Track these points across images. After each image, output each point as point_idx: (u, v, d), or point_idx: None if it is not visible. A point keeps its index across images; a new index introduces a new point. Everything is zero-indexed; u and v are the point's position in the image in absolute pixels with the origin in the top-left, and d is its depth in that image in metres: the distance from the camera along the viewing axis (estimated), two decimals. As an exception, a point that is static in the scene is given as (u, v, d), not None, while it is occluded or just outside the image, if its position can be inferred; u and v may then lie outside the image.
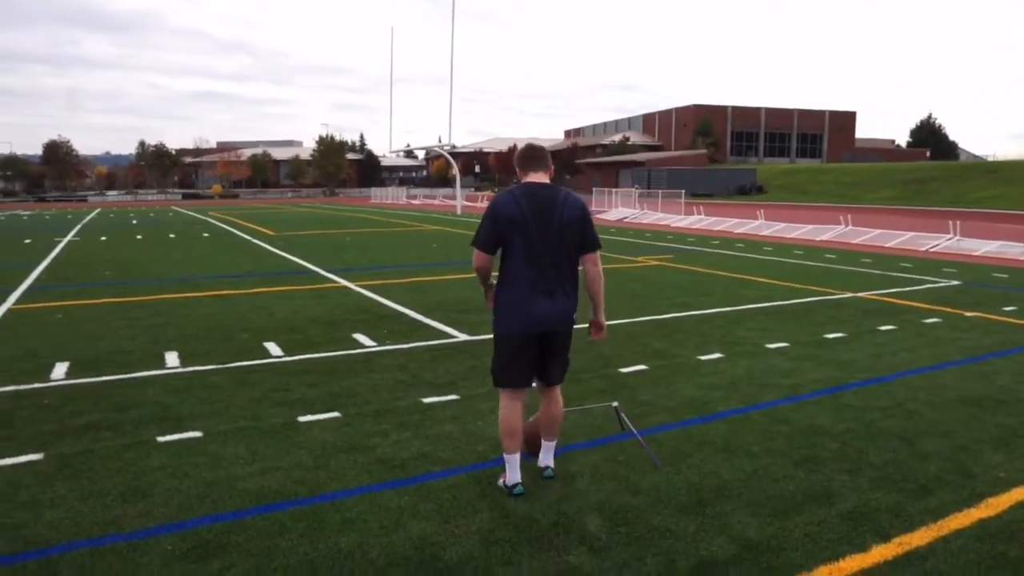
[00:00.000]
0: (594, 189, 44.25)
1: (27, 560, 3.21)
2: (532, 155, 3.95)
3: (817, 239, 20.34)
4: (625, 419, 4.51)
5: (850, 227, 21.02)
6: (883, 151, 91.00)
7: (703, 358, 6.74)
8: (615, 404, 4.62)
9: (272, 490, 3.93)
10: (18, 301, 10.18)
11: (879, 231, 20.27)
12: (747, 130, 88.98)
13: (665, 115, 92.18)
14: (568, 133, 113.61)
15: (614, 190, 40.27)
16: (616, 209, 34.84)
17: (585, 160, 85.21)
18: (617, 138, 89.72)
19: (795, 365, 6.51)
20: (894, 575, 3.13)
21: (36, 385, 5.89)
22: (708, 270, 13.48)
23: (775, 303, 9.79)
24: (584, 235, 3.85)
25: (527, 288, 3.75)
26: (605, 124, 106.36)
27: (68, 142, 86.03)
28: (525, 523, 3.55)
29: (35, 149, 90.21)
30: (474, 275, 4.03)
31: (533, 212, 3.74)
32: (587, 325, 4.06)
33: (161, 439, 4.66)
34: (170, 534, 3.44)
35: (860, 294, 10.52)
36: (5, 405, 5.37)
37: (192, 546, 3.32)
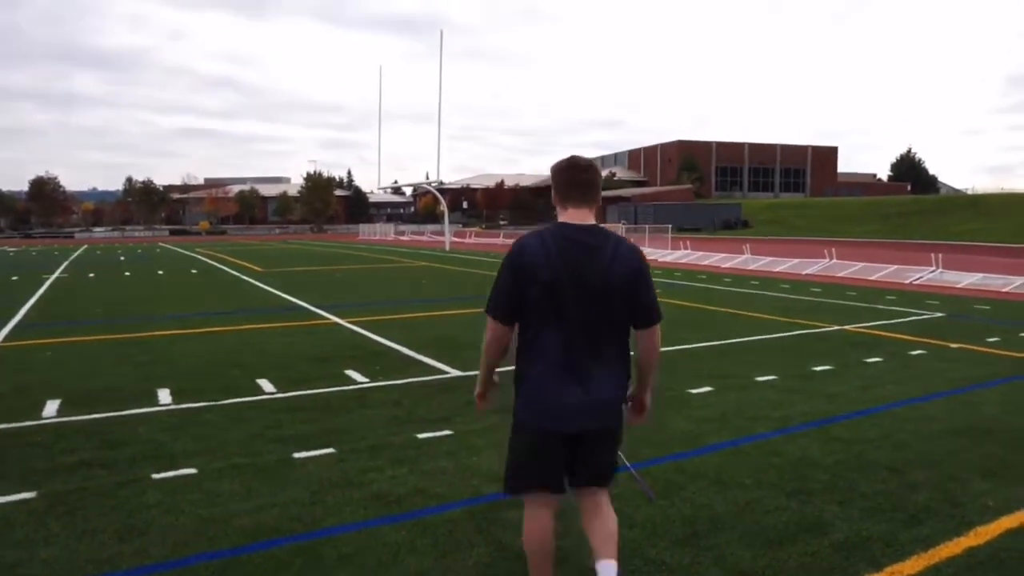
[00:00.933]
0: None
1: (24, 599, 3.20)
2: (577, 180, 2.85)
3: (803, 273, 20.58)
4: (619, 453, 4.55)
5: (835, 260, 21.28)
6: (865, 185, 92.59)
7: (693, 391, 6.81)
8: (608, 437, 4.66)
9: (268, 526, 3.93)
10: (6, 338, 10.13)
11: (863, 264, 20.54)
12: (731, 165, 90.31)
13: (651, 151, 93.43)
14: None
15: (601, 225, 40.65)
16: (604, 244, 35.11)
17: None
18: (604, 174, 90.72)
19: (784, 398, 6.59)
20: (887, 605, 3.17)
21: (27, 423, 5.86)
22: (696, 304, 13.61)
23: (763, 336, 9.90)
24: (638, 301, 2.81)
25: (554, 370, 2.77)
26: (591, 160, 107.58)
27: (55, 178, 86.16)
28: (522, 558, 3.56)
29: (21, 185, 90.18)
30: (483, 340, 2.89)
31: (569, 267, 2.72)
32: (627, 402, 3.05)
33: (155, 476, 4.65)
34: (167, 571, 3.44)
35: (846, 327, 10.65)
36: (-3, 443, 5.35)
37: (190, 583, 3.32)
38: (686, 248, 28.95)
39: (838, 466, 4.83)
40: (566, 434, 2.82)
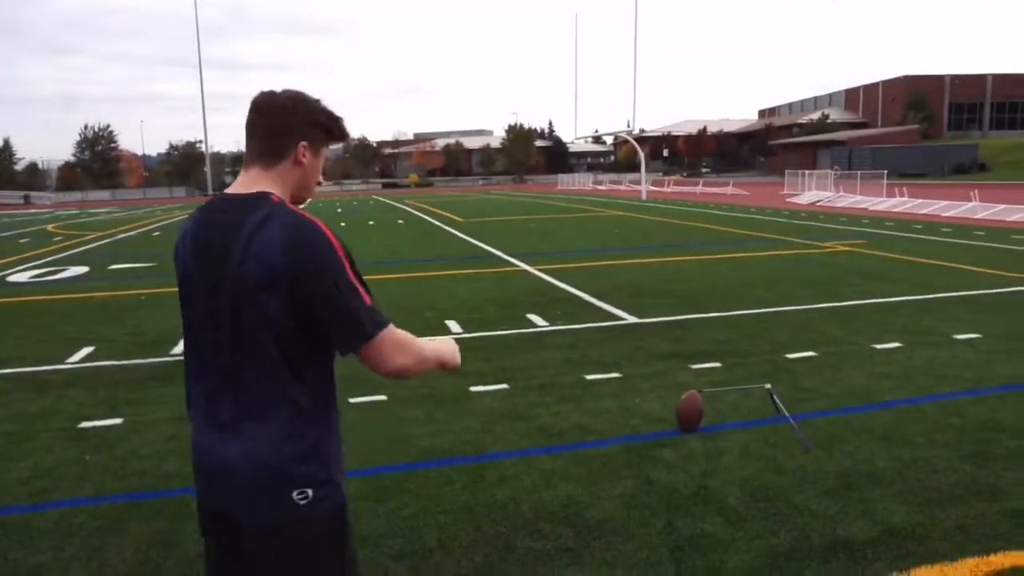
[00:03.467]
0: (786, 172, 42.21)
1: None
2: (247, 124, 1.77)
3: (1043, 223, 18.19)
4: (778, 402, 4.55)
5: (1086, 209, 18.58)
6: None
7: (879, 347, 6.48)
8: (768, 386, 4.67)
9: (442, 448, 4.43)
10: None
11: (1123, 213, 17.76)
12: (969, 101, 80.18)
13: (871, 89, 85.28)
14: (762, 113, 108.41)
15: (808, 172, 38.19)
16: (809, 192, 33.03)
17: (779, 141, 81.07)
18: (815, 116, 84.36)
19: (984, 358, 6.09)
20: (1055, 574, 3.01)
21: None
22: (903, 256, 12.61)
23: (975, 292, 9.06)
24: (302, 311, 1.67)
25: (196, 416, 1.79)
26: (803, 102, 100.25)
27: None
28: (667, 491, 3.76)
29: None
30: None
31: (199, 258, 1.73)
32: None
33: (352, 400, 5.33)
34: (357, 477, 4.01)
35: (1083, 284, 9.44)
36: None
37: (374, 488, 3.88)
38: (902, 195, 26.50)
39: (1031, 432, 4.47)
40: (208, 515, 1.78)
